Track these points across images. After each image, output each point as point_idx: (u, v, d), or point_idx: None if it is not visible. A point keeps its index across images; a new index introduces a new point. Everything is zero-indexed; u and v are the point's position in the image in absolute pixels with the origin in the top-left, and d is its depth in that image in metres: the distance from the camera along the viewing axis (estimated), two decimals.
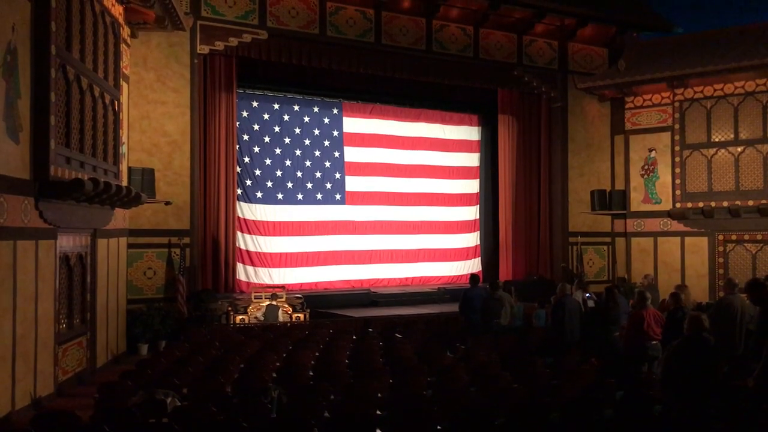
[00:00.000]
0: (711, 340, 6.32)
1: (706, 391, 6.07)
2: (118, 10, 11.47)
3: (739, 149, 16.64)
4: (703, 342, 6.25)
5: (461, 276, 19.37)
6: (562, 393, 7.09)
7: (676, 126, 17.52)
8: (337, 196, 18.39)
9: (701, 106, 17.18)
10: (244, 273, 16.75)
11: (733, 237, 16.87)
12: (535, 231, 19.15)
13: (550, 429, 5.78)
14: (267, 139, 17.44)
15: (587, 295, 12.09)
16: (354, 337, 11.44)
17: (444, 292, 17.55)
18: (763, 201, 16.05)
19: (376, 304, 16.35)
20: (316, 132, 18.16)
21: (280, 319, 13.69)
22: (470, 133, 20.51)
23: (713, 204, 16.80)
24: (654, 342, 8.97)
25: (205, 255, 15.13)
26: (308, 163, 17.99)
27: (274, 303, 13.75)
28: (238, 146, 16.42)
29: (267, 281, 16.74)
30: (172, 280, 13.62)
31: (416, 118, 19.58)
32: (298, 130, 17.89)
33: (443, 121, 19.98)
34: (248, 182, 17.10)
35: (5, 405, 7.78)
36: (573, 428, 5.81)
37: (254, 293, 14.29)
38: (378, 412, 6.49)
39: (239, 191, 16.66)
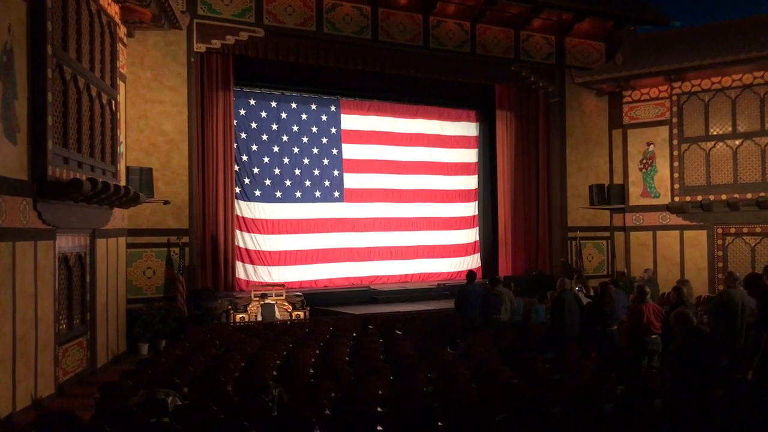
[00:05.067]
0: (704, 331, 6.33)
1: (706, 384, 6.08)
2: (114, 10, 11.45)
3: (737, 142, 16.63)
4: (698, 337, 6.26)
5: (460, 272, 19.34)
6: (562, 388, 7.10)
7: (674, 120, 17.50)
8: (336, 194, 18.38)
9: (699, 100, 17.16)
10: (243, 271, 16.74)
11: (732, 230, 16.88)
12: (534, 226, 19.16)
13: (551, 424, 5.78)
14: (265, 137, 17.42)
15: (577, 288, 12.09)
16: (354, 335, 11.44)
17: (443, 288, 17.55)
18: (762, 194, 16.04)
19: (375, 301, 16.35)
20: (314, 129, 18.14)
21: (278, 316, 13.72)
22: (468, 129, 20.50)
23: (712, 197, 16.79)
24: (654, 336, 8.97)
25: (205, 254, 15.13)
26: (306, 161, 17.97)
27: (267, 302, 13.78)
28: (235, 144, 16.41)
29: (266, 279, 16.73)
30: (171, 280, 13.62)
31: (414, 115, 19.57)
32: (295, 128, 17.86)
33: (441, 117, 19.98)
34: (246, 180, 17.08)
35: (6, 406, 7.79)
36: (574, 423, 5.81)
37: (254, 291, 14.31)
38: (379, 409, 6.50)
39: (237, 190, 16.64)
